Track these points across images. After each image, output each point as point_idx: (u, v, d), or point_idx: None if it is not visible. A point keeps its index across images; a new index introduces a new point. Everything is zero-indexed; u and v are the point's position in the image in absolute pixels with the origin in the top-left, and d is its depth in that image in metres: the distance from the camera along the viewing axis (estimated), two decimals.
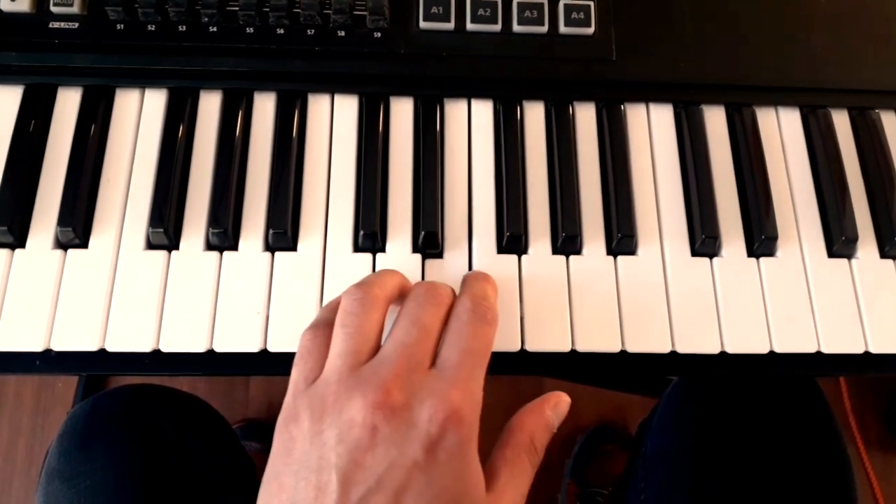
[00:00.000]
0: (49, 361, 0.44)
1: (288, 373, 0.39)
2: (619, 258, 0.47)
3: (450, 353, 0.38)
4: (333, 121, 0.49)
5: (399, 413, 0.35)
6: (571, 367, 0.45)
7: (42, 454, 1.00)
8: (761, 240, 0.47)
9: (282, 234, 0.45)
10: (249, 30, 0.49)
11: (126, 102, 0.49)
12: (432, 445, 0.34)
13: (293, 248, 0.46)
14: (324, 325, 0.39)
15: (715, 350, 0.45)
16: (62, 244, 0.45)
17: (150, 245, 0.46)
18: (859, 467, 1.07)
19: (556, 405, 0.40)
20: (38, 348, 0.43)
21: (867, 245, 0.48)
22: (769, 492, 0.53)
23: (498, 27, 0.50)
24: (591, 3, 0.51)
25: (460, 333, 0.38)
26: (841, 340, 0.45)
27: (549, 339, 0.44)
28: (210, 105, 0.49)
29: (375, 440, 0.34)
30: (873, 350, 0.45)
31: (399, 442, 0.34)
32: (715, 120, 0.51)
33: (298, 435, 0.36)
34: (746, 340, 0.45)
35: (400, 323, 0.38)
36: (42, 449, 1.12)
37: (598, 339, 0.45)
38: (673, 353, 0.45)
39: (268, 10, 0.49)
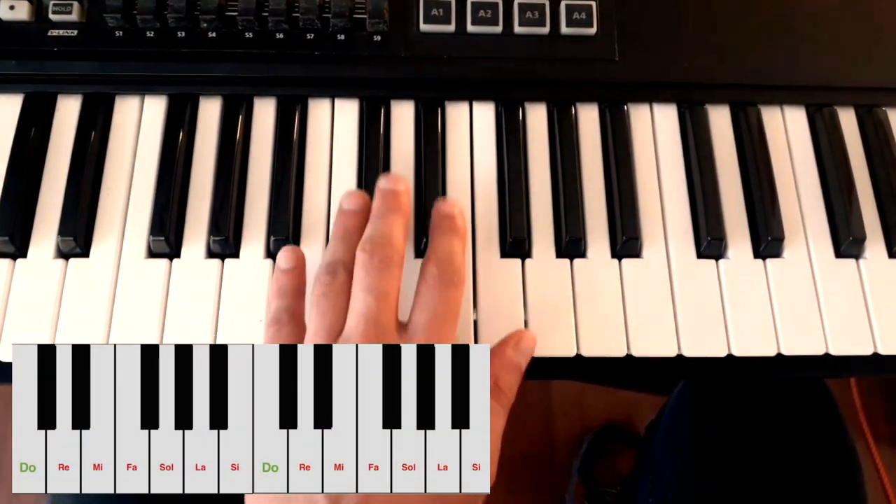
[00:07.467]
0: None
1: None
2: (624, 261, 0.46)
3: (419, 317, 0.39)
4: (334, 125, 0.49)
5: None
6: (576, 371, 0.45)
7: None
8: (767, 241, 0.46)
9: (283, 241, 0.45)
10: (248, 35, 0.49)
11: (126, 109, 0.49)
12: None
13: None
14: (286, 314, 0.41)
15: (722, 353, 0.44)
16: (63, 253, 0.45)
17: (151, 253, 0.45)
18: (870, 465, 1.06)
19: (517, 343, 0.41)
20: None
21: (875, 245, 0.47)
22: (777, 493, 0.52)
23: (499, 29, 0.50)
24: (593, 4, 0.50)
25: (428, 297, 0.40)
26: (849, 341, 0.45)
27: (553, 343, 0.44)
28: (210, 111, 0.49)
29: None
30: (882, 351, 0.45)
31: None
32: (719, 120, 0.50)
33: None
34: (754, 343, 0.45)
35: (354, 296, 0.39)
36: None
37: (604, 343, 0.44)
38: (679, 357, 0.44)
39: (267, 14, 0.48)
